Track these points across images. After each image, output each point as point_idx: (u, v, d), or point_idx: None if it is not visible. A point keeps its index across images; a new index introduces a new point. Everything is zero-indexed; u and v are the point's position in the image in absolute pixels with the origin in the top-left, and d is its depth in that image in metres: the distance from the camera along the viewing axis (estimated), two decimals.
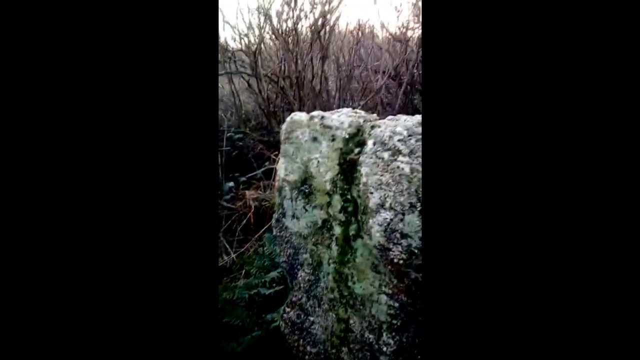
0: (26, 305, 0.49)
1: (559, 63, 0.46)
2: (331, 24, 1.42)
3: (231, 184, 2.43)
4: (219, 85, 2.35)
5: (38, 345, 0.49)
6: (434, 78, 0.50)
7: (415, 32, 1.83)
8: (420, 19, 1.60)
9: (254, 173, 2.55)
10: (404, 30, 1.83)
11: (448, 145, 0.49)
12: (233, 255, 1.80)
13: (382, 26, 1.90)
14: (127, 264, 0.51)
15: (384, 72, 1.50)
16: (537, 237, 0.47)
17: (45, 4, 0.49)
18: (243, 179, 2.56)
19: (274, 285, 1.23)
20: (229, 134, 2.71)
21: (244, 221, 2.06)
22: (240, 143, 2.87)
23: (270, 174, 2.33)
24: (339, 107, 1.17)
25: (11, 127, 0.48)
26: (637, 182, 0.44)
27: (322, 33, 1.44)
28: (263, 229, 1.84)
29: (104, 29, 0.50)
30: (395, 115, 0.80)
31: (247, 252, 1.86)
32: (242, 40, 1.74)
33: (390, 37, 1.84)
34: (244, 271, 1.58)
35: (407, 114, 0.81)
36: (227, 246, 1.94)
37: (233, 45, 1.90)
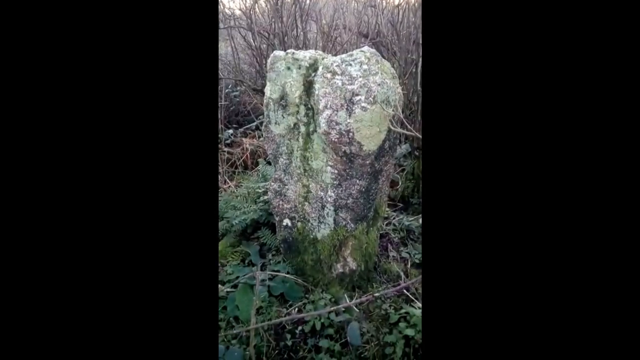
0: (26, 305, 0.48)
1: (558, 62, 0.45)
2: None
3: (230, 131, 2.93)
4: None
5: (38, 345, 0.48)
6: (433, 75, 0.52)
7: None
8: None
9: (250, 125, 3.04)
10: None
11: (447, 139, 0.50)
12: (231, 184, 2.31)
13: None
14: (130, 219, 0.52)
15: (349, 29, 1.92)
16: (537, 237, 0.47)
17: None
18: (241, 130, 3.05)
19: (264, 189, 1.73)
20: (226, 91, 3.11)
21: (241, 160, 2.59)
22: (237, 99, 3.28)
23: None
24: None
25: (11, 127, 0.47)
26: (637, 182, 0.43)
27: None
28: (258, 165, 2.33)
29: (102, 6, 0.50)
30: None
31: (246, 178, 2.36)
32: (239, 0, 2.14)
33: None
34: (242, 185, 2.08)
35: None
36: (227, 178, 2.47)
37: (231, 5, 2.28)
